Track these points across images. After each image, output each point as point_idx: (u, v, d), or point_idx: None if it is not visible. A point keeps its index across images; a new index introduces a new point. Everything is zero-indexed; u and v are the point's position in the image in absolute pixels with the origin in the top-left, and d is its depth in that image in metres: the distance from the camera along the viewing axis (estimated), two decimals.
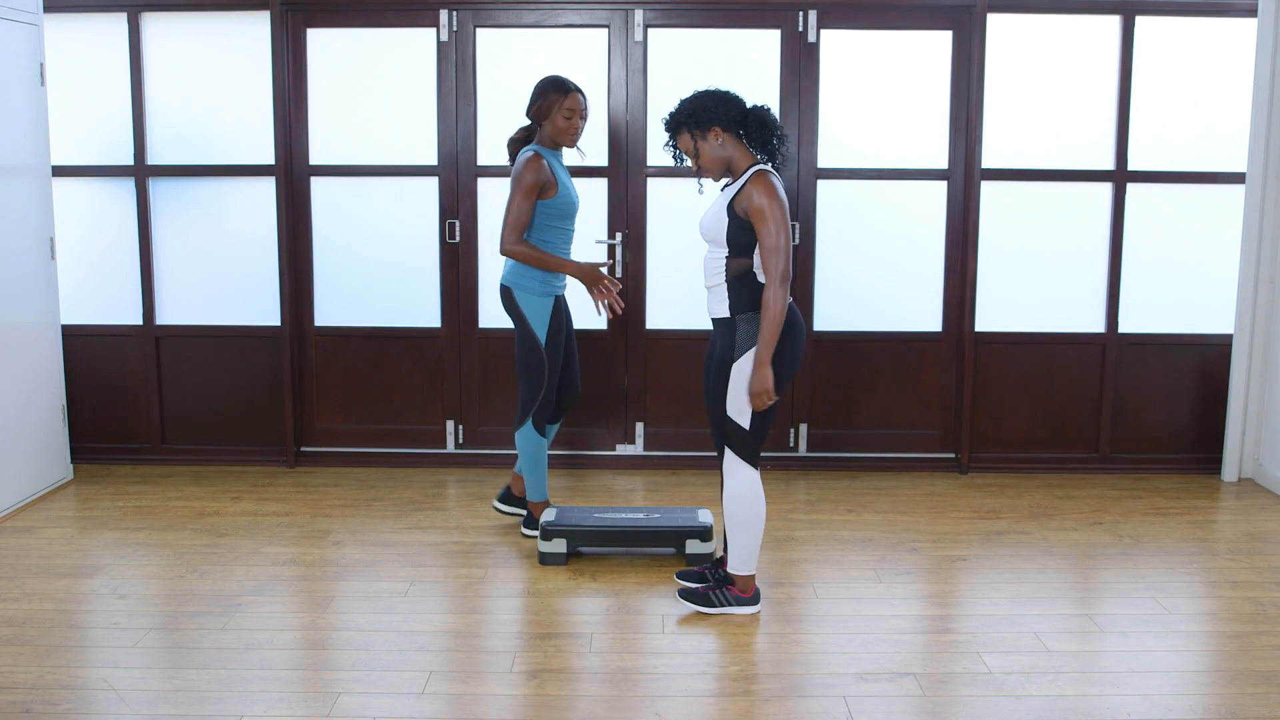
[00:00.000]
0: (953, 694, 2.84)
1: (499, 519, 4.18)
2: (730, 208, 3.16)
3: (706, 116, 3.18)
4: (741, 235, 3.15)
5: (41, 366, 4.51)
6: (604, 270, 3.63)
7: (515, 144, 3.88)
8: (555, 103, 3.73)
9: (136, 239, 4.82)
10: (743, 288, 3.18)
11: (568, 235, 3.85)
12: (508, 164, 4.66)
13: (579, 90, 3.77)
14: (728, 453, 3.25)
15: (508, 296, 3.79)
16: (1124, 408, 4.87)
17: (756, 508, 3.26)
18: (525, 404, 3.83)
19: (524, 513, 4.03)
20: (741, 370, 3.16)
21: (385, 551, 3.84)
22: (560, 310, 3.82)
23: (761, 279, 3.16)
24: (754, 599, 3.34)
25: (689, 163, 3.31)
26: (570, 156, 4.10)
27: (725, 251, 3.19)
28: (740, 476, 3.24)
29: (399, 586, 3.52)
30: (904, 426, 4.91)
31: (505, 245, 3.69)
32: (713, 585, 3.37)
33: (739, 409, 3.18)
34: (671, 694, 2.83)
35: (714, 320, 3.29)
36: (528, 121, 3.87)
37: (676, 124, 3.24)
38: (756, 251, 3.15)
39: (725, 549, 3.43)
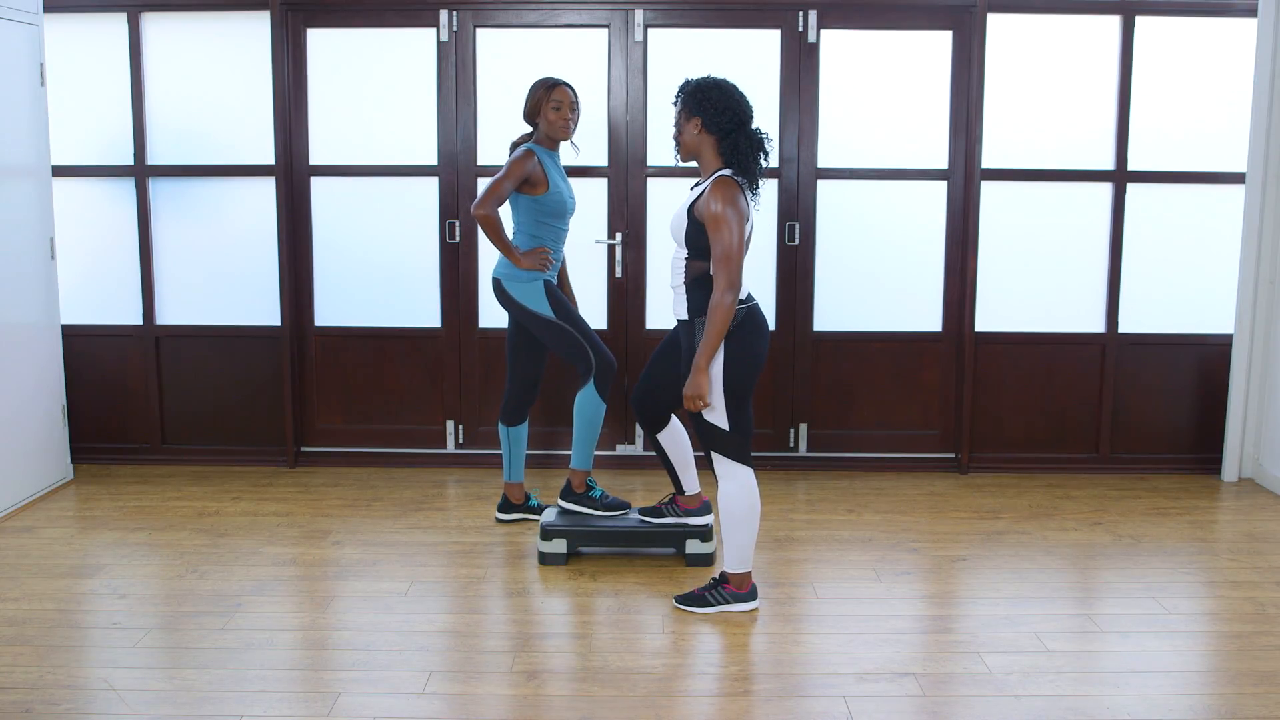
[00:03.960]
0: (953, 694, 2.84)
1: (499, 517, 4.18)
2: (690, 210, 3.19)
3: (698, 107, 3.20)
4: (700, 238, 3.17)
5: (41, 366, 4.51)
6: (545, 258, 3.87)
7: (515, 147, 3.99)
8: (543, 98, 3.88)
9: (136, 239, 4.82)
10: (699, 291, 3.21)
11: (560, 234, 3.95)
12: None
13: (565, 84, 3.90)
14: (716, 456, 3.24)
15: (499, 289, 3.91)
16: (1124, 408, 4.87)
17: (752, 505, 3.26)
18: (581, 368, 3.87)
19: (588, 511, 3.85)
20: (709, 374, 3.16)
21: (385, 551, 3.84)
22: (553, 290, 3.89)
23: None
24: (751, 594, 3.34)
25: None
26: (566, 156, 4.14)
27: (685, 253, 3.24)
28: (735, 477, 3.24)
29: (399, 586, 3.52)
30: (904, 426, 4.91)
31: (475, 208, 3.75)
32: (708, 586, 3.37)
33: (713, 411, 3.19)
34: (671, 694, 2.83)
35: (679, 322, 3.33)
36: (529, 128, 4.00)
37: (681, 93, 3.27)
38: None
39: (674, 486, 3.61)
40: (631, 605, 3.39)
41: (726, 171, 3.18)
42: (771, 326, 4.80)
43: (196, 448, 4.93)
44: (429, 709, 2.75)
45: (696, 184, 3.28)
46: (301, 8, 4.68)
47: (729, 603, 3.32)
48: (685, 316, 3.26)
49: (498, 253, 3.94)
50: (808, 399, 4.88)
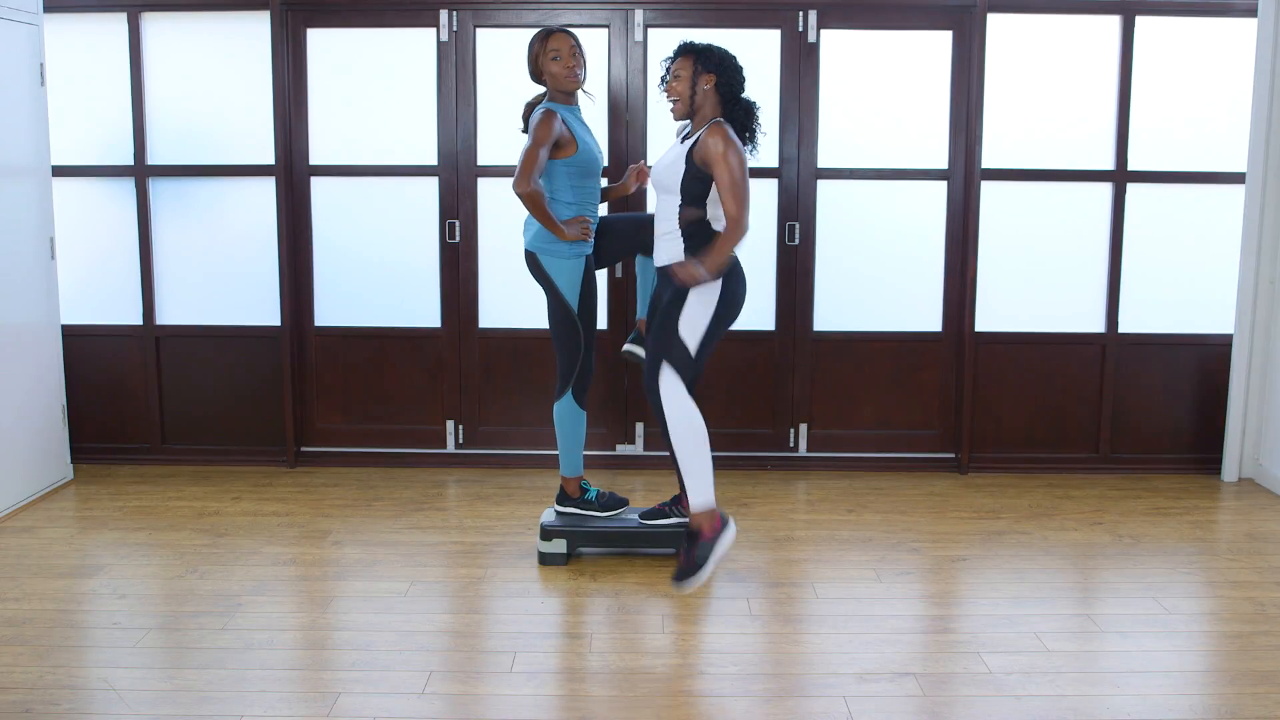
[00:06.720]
0: (953, 694, 2.84)
1: (499, 519, 4.18)
2: (689, 156, 3.37)
3: (715, 66, 3.40)
4: (695, 184, 3.36)
5: (41, 366, 4.51)
6: (586, 227, 3.63)
7: (530, 108, 3.74)
8: (539, 51, 3.61)
9: (136, 239, 4.82)
10: (698, 233, 3.39)
11: (594, 195, 3.69)
12: (509, 164, 4.71)
13: (562, 30, 3.63)
14: (666, 371, 3.33)
15: (533, 262, 3.67)
16: (1124, 408, 4.87)
17: (701, 428, 3.34)
18: (564, 374, 3.71)
19: (586, 512, 3.82)
20: (701, 293, 3.34)
21: (385, 551, 3.84)
22: (590, 281, 3.71)
23: (716, 227, 3.38)
24: (724, 524, 3.38)
25: (667, 82, 3.49)
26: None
27: (678, 200, 3.39)
28: (680, 402, 3.33)
29: (399, 586, 3.52)
30: (904, 426, 4.91)
31: (518, 185, 3.45)
32: (687, 550, 3.35)
33: (691, 328, 3.35)
34: (671, 694, 2.83)
35: (663, 270, 3.48)
36: (540, 89, 3.75)
37: (693, 51, 3.43)
38: (709, 201, 3.37)
39: (680, 487, 3.54)
40: (631, 605, 3.39)
41: (719, 119, 3.40)
42: (771, 326, 4.82)
43: (196, 448, 4.93)
44: (429, 709, 2.75)
45: (686, 135, 3.47)
46: (301, 8, 4.68)
47: (714, 549, 3.33)
48: (681, 259, 3.39)
49: (526, 224, 3.68)
50: (808, 399, 4.88)
